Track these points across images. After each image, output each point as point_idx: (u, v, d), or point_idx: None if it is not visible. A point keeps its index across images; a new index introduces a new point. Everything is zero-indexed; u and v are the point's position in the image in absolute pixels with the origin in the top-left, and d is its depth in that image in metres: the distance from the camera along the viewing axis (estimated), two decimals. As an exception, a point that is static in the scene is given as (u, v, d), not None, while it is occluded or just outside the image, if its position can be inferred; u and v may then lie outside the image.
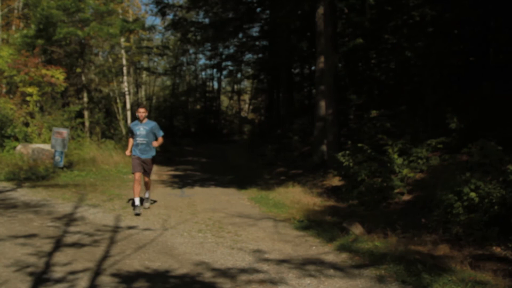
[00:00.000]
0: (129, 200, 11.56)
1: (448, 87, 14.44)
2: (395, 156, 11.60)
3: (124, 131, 26.36)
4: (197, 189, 14.83)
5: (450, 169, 9.80)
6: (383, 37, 18.58)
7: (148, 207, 10.83)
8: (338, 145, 15.72)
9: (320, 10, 17.29)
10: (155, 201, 11.85)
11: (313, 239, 8.45)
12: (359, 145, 12.64)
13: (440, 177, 9.72)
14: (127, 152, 10.59)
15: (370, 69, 19.69)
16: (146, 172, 10.59)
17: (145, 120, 10.43)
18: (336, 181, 14.29)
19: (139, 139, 10.31)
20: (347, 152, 13.08)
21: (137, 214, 9.88)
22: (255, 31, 36.61)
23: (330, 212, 10.70)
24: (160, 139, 10.51)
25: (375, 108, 14.38)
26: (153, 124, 10.47)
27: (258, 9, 32.23)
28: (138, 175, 10.33)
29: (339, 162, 13.09)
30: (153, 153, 10.51)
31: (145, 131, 10.30)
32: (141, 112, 10.35)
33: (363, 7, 19.09)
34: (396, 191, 11.00)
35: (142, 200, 10.98)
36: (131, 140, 10.62)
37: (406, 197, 10.86)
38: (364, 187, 11.58)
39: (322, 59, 17.35)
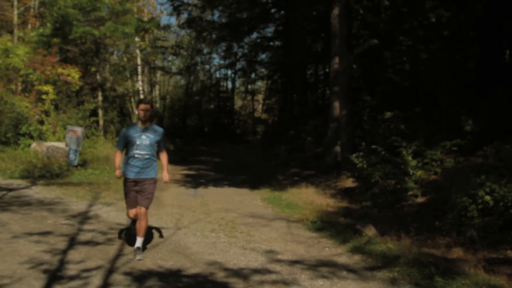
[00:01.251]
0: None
1: (463, 89, 14.35)
2: (409, 158, 11.54)
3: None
4: (210, 189, 14.85)
5: (465, 172, 9.74)
6: (398, 39, 18.50)
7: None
8: (352, 146, 15.68)
9: (335, 11, 17.23)
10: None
11: (326, 241, 8.44)
12: (373, 146, 12.59)
13: (455, 180, 9.66)
14: (118, 173, 7.04)
15: (384, 70, 19.60)
16: (144, 198, 6.99)
17: (149, 124, 7.08)
18: (349, 183, 14.24)
19: (140, 153, 6.89)
20: (361, 153, 13.04)
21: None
22: (269, 31, 36.71)
23: (343, 214, 10.66)
24: (166, 157, 7.29)
25: (389, 110, 14.30)
26: (160, 131, 7.15)
27: (273, 10, 32.29)
28: (134, 212, 7.13)
29: (352, 163, 13.04)
30: (156, 171, 7.12)
31: (149, 141, 6.94)
32: (145, 110, 6.95)
33: (379, 8, 19.01)
34: (410, 193, 10.94)
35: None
36: (119, 155, 7.23)
37: (420, 199, 10.79)
38: (378, 189, 11.53)
39: (336, 60, 17.30)
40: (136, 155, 6.92)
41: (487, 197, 7.87)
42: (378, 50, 19.09)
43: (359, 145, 15.44)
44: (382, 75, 19.44)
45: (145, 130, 6.98)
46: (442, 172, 11.40)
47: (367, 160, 12.55)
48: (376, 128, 14.54)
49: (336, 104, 17.29)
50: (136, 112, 7.15)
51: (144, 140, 6.93)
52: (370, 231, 8.58)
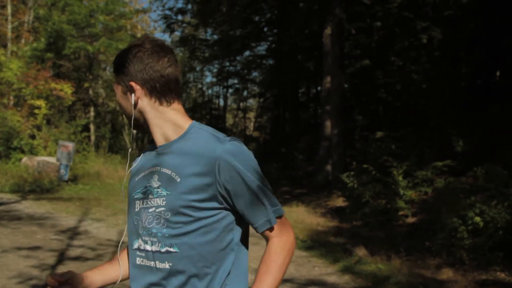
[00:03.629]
0: None
1: (455, 109, 14.46)
2: (400, 178, 11.58)
3: (128, 144, 26.14)
4: (201, 206, 14.80)
5: (455, 192, 9.78)
6: (390, 59, 18.67)
7: None
8: (343, 165, 15.73)
9: (328, 31, 17.38)
10: None
11: (316, 260, 8.42)
12: (364, 166, 12.62)
13: (445, 200, 9.70)
14: None
15: (376, 90, 19.74)
16: None
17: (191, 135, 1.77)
18: (340, 202, 14.26)
19: (145, 249, 1.65)
20: (352, 173, 13.07)
21: None
22: (262, 49, 36.89)
23: (334, 233, 10.66)
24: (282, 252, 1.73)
25: (381, 129, 14.40)
26: (245, 155, 1.71)
27: (266, 28, 32.51)
28: None
29: (343, 182, 13.07)
30: None
31: (175, 198, 1.64)
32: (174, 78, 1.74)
33: (371, 29, 19.20)
34: (400, 213, 10.96)
35: None
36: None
37: (410, 220, 10.82)
38: (368, 209, 11.55)
39: (328, 79, 17.41)
40: (137, 256, 1.71)
41: (477, 218, 7.90)
42: (370, 70, 19.24)
43: (350, 164, 15.48)
44: (373, 95, 19.58)
45: (165, 155, 1.79)
46: (432, 192, 11.45)
47: (358, 179, 12.58)
48: (367, 148, 14.61)
49: (328, 123, 17.38)
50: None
51: (153, 198, 1.71)
52: (360, 251, 8.58)
